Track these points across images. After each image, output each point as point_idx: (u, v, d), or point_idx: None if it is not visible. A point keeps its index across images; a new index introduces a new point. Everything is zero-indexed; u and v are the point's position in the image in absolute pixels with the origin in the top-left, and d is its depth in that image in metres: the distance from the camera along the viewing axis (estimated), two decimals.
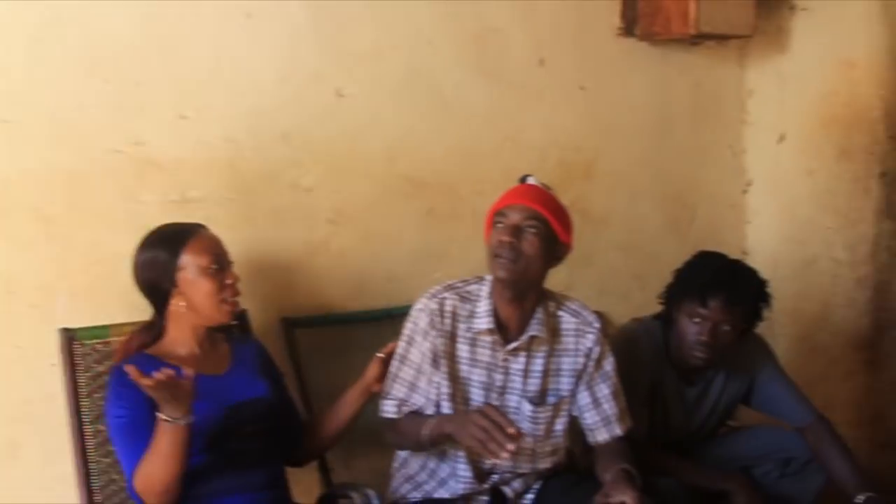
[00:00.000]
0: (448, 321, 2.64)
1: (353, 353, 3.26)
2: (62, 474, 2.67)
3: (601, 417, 2.74)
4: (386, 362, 2.72)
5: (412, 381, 2.66)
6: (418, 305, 2.68)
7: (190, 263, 2.50)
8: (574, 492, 2.70)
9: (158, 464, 2.29)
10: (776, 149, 4.47)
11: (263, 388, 2.61)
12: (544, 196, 2.63)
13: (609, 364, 2.75)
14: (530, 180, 2.69)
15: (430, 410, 2.64)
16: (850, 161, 4.20)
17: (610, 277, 4.15)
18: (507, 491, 2.72)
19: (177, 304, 2.52)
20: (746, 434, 3.34)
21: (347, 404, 2.76)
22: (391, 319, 3.36)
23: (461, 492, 2.68)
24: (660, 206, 4.31)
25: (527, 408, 2.67)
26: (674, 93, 4.28)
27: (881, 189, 4.15)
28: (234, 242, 2.70)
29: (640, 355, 3.03)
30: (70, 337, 2.69)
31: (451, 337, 2.64)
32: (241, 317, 2.93)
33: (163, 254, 2.50)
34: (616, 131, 4.11)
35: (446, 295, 2.67)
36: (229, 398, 2.51)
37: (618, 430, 2.75)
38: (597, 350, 2.73)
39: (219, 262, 2.53)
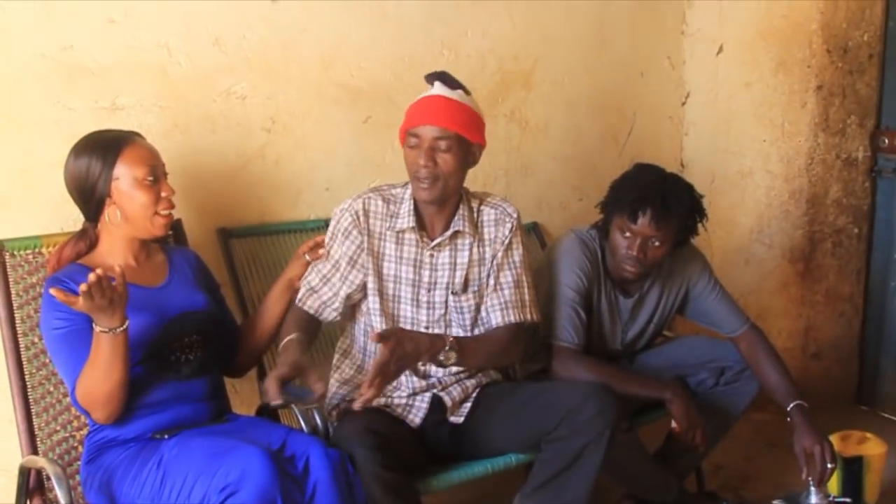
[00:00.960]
0: (372, 220, 2.82)
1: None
2: None
3: (498, 301, 2.84)
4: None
5: (326, 275, 2.82)
6: (343, 205, 2.86)
7: (124, 174, 2.51)
8: (510, 398, 2.80)
9: (99, 374, 2.34)
10: (714, 60, 4.54)
11: (202, 300, 2.66)
12: (451, 107, 2.75)
13: (518, 255, 2.88)
14: (437, 87, 2.79)
15: (337, 304, 2.82)
16: (787, 74, 4.30)
17: (548, 188, 4.25)
18: (446, 398, 2.82)
19: (110, 215, 2.54)
20: (681, 344, 3.46)
21: (272, 302, 2.86)
22: (327, 229, 3.44)
23: (396, 398, 2.79)
24: (598, 116, 4.39)
25: (451, 298, 2.83)
26: (613, 2, 4.33)
27: (817, 102, 4.26)
28: (167, 151, 2.73)
29: (577, 264, 3.11)
30: (0, 248, 2.70)
31: (376, 236, 2.82)
32: (177, 227, 2.97)
33: (96, 162, 2.50)
34: (555, 40, 4.16)
35: (370, 195, 2.85)
36: (168, 310, 2.55)
37: (512, 317, 2.82)
38: (509, 238, 2.87)
39: (154, 174, 2.55)
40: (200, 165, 3.19)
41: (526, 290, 2.88)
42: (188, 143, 3.16)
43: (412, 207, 2.81)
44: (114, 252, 2.58)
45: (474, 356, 2.74)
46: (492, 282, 2.86)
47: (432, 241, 2.82)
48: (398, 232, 2.81)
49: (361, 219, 2.81)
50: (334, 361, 2.96)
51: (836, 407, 4.28)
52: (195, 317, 2.61)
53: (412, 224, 2.79)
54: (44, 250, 2.74)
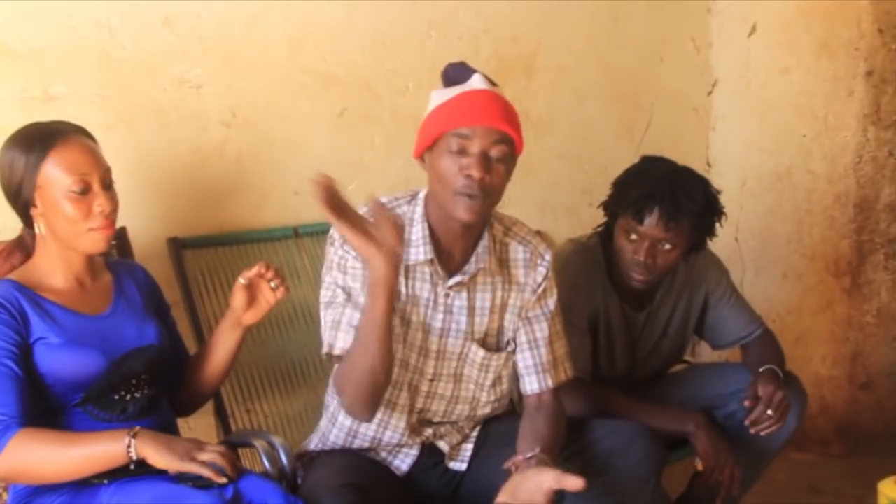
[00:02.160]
0: None
1: None
2: None
3: (534, 363, 2.75)
4: (250, 287, 2.68)
5: (353, 324, 2.55)
6: (335, 231, 2.58)
7: (48, 181, 2.39)
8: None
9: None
10: (746, 42, 4.55)
11: (152, 333, 2.61)
12: (506, 107, 2.54)
13: (553, 303, 2.75)
14: (478, 81, 2.54)
15: None
16: (831, 58, 4.31)
17: (552, 191, 4.25)
18: (443, 445, 2.78)
19: (38, 226, 2.47)
20: (707, 371, 3.46)
21: (221, 339, 2.75)
22: (297, 238, 3.45)
23: (388, 441, 2.74)
24: (611, 108, 4.40)
25: (477, 353, 2.70)
26: None
27: (866, 91, 4.27)
28: (109, 149, 2.63)
29: (577, 280, 3.11)
30: None
31: None
32: (121, 236, 2.95)
33: (19, 161, 2.41)
34: (560, 20, 4.17)
35: None
36: (113, 345, 2.49)
37: (550, 382, 2.74)
38: (543, 285, 2.73)
39: (84, 183, 2.41)
40: (148, 165, 3.17)
41: (562, 344, 2.80)
42: (134, 138, 3.15)
43: (427, 234, 2.59)
44: (52, 269, 2.49)
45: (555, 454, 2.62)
46: (522, 336, 2.74)
47: (450, 276, 2.62)
48: (409, 265, 2.61)
49: None
50: (326, 400, 2.90)
51: (891, 445, 4.27)
52: (145, 354, 2.55)
53: (430, 256, 2.58)
54: None
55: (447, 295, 2.62)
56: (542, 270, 2.72)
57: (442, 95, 2.55)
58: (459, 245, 2.61)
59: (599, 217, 3.28)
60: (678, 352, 3.40)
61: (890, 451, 4.07)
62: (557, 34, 4.16)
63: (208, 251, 3.28)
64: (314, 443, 2.80)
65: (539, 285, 2.72)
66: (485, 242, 2.64)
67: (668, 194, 2.98)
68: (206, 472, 2.27)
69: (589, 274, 3.13)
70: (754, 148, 4.57)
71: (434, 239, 2.59)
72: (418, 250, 2.58)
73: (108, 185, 2.47)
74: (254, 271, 2.65)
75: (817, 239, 4.43)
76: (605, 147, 4.38)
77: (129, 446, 2.28)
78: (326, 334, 2.59)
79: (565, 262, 3.13)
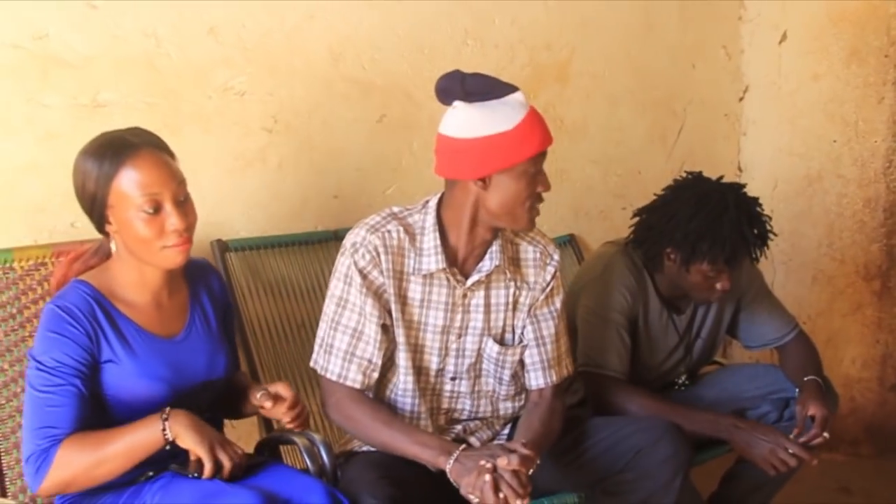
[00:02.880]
0: (394, 258, 2.60)
1: (293, 280, 3.35)
2: None
3: (540, 359, 2.78)
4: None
5: (356, 328, 2.61)
6: (355, 238, 2.61)
7: (119, 200, 2.30)
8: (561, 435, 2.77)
9: (116, 464, 2.28)
10: (777, 49, 4.53)
11: (222, 365, 2.55)
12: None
13: (559, 301, 2.80)
14: (521, 95, 2.56)
15: (377, 362, 2.63)
16: (861, 64, 4.28)
17: (586, 195, 4.24)
18: (474, 441, 2.78)
19: (113, 241, 2.39)
20: (739, 372, 3.45)
21: (247, 405, 2.65)
22: (337, 241, 3.44)
23: None
24: (643, 114, 4.39)
25: (493, 348, 2.73)
26: None
27: None
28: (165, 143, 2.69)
29: (621, 283, 3.10)
30: None
31: (400, 276, 2.62)
32: None
33: (92, 174, 2.30)
34: (594, 27, 4.16)
35: (388, 226, 2.63)
36: (183, 379, 2.43)
37: (554, 377, 2.78)
38: (551, 284, 2.77)
39: (155, 203, 2.30)
40: (193, 170, 3.12)
41: (565, 341, 2.84)
42: (179, 144, 3.07)
43: (439, 242, 2.61)
44: (128, 282, 2.42)
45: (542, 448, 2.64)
46: (530, 333, 2.77)
47: (466, 278, 2.66)
48: (425, 275, 2.64)
49: (382, 258, 2.58)
50: None
51: None
52: (211, 389, 2.52)
53: (442, 265, 2.60)
54: (16, 265, 2.73)
55: (465, 295, 2.67)
56: (550, 270, 2.77)
57: (496, 117, 2.51)
58: (471, 247, 2.66)
59: (632, 221, 3.26)
60: (710, 352, 3.39)
61: None
62: (591, 42, 4.15)
63: (251, 253, 3.30)
64: (353, 442, 2.80)
65: (548, 284, 2.77)
66: (498, 241, 2.68)
67: (752, 235, 3.01)
68: (208, 467, 2.27)
69: (632, 277, 3.13)
70: (785, 153, 4.54)
71: (445, 247, 2.62)
72: (430, 259, 2.61)
73: (181, 201, 2.36)
74: (284, 398, 2.51)
75: (847, 242, 4.40)
76: (638, 152, 4.37)
77: (164, 429, 2.26)
78: (320, 352, 2.66)
79: (608, 265, 3.14)
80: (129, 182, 2.28)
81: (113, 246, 2.39)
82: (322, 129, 3.48)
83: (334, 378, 2.61)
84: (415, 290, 2.64)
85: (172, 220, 2.32)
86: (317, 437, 2.75)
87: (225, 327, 2.63)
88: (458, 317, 2.68)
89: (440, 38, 3.73)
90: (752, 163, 4.62)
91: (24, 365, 2.63)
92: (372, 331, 2.59)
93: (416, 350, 2.68)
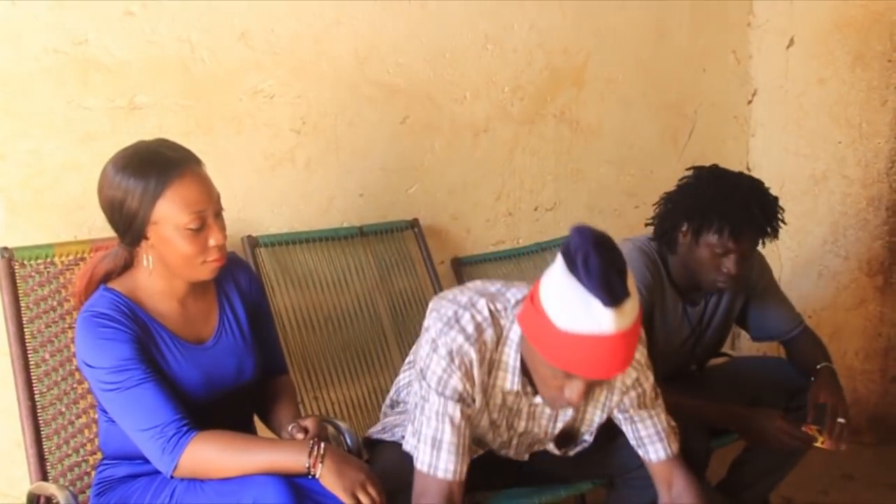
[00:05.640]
0: (484, 368, 2.34)
1: (320, 274, 3.34)
2: (5, 407, 2.70)
3: (655, 430, 2.53)
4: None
5: (458, 453, 2.34)
6: (451, 343, 2.30)
7: (165, 218, 2.24)
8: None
9: (241, 467, 2.21)
10: (784, 54, 4.50)
11: (251, 368, 2.50)
12: (629, 349, 2.11)
13: (649, 386, 2.51)
14: (609, 317, 2.02)
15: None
16: (865, 69, 4.25)
17: (600, 194, 4.22)
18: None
19: (146, 258, 2.32)
20: (751, 365, 3.45)
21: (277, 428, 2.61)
22: (362, 237, 3.45)
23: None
24: (656, 116, 4.37)
25: (551, 447, 2.62)
26: None
27: None
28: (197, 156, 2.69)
29: (638, 277, 3.06)
30: (9, 257, 2.68)
31: (485, 387, 2.37)
32: None
33: (135, 193, 2.22)
34: (608, 33, 4.14)
35: (486, 337, 2.31)
36: (214, 378, 2.39)
37: (673, 448, 2.54)
38: (642, 386, 2.51)
39: (201, 220, 2.26)
40: (225, 169, 3.18)
41: (665, 418, 2.58)
42: (212, 144, 3.16)
43: (519, 364, 2.33)
44: (155, 292, 2.37)
45: None
46: (630, 434, 2.55)
47: (536, 395, 2.40)
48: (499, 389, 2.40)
49: (475, 372, 2.30)
50: (383, 410, 2.87)
51: None
52: (239, 393, 2.48)
53: (518, 388, 2.36)
54: (56, 259, 2.73)
55: (531, 404, 2.47)
56: (633, 373, 2.48)
57: (567, 313, 2.06)
58: None
59: (644, 219, 3.24)
60: (720, 342, 3.36)
61: None
62: (606, 47, 4.13)
63: (280, 248, 3.29)
64: (385, 434, 2.71)
65: (630, 387, 2.50)
66: None
67: (761, 213, 2.95)
68: None
69: (648, 272, 3.09)
70: (792, 154, 4.52)
71: (523, 367, 2.34)
72: (511, 379, 2.35)
73: (219, 214, 2.32)
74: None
75: (851, 240, 4.37)
76: (651, 153, 4.35)
77: (308, 466, 2.21)
78: (425, 449, 2.33)
79: (627, 260, 3.10)
80: (178, 201, 2.22)
81: (144, 260, 2.32)
82: (348, 130, 3.47)
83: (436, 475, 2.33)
84: (491, 397, 2.41)
85: (214, 235, 2.28)
86: (343, 425, 2.75)
87: (256, 326, 2.57)
88: (523, 423, 2.52)
89: (461, 43, 3.71)
90: (760, 163, 4.60)
91: (63, 355, 2.65)
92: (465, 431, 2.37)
93: (473, 441, 2.48)
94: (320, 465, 2.22)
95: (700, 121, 4.50)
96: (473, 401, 2.33)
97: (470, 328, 2.29)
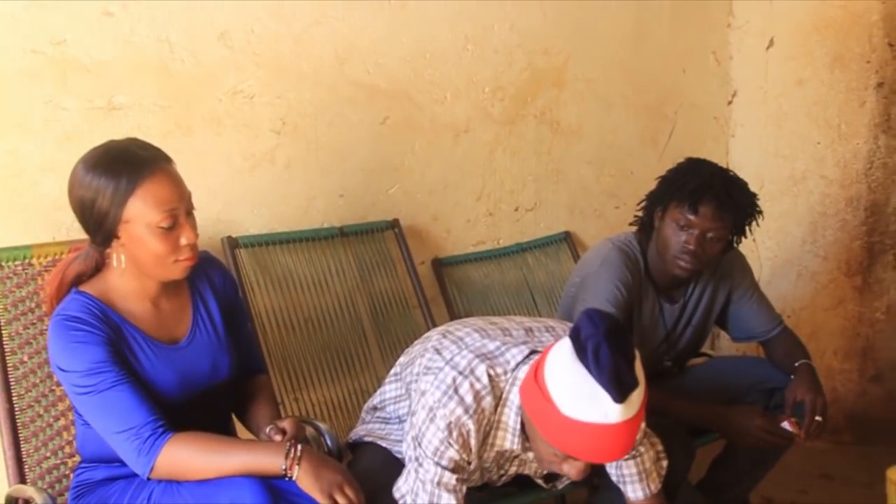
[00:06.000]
0: (481, 435, 2.32)
1: (300, 275, 3.34)
2: None
3: (637, 470, 2.52)
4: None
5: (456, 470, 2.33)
6: (449, 416, 2.26)
7: (137, 216, 2.22)
8: None
9: (217, 469, 2.21)
10: (764, 55, 4.51)
11: (226, 367, 2.49)
12: (631, 436, 2.09)
13: (640, 433, 2.33)
14: (616, 413, 2.01)
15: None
16: (844, 70, 4.26)
17: (581, 195, 4.22)
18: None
19: (117, 258, 2.30)
20: (730, 365, 3.45)
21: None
22: (343, 237, 3.44)
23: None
24: (636, 117, 4.37)
25: (540, 482, 2.63)
26: None
27: (877, 101, 4.22)
28: (168, 155, 2.66)
29: (617, 275, 3.07)
30: None
31: (480, 449, 2.35)
32: None
33: (105, 192, 2.20)
34: (589, 34, 4.14)
35: (485, 405, 2.28)
36: (189, 379, 2.39)
37: (652, 488, 2.54)
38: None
39: (172, 218, 2.24)
40: (204, 169, 3.18)
41: (650, 469, 2.56)
42: (191, 145, 3.15)
43: (519, 426, 2.30)
44: (127, 292, 2.35)
45: None
46: (615, 476, 2.55)
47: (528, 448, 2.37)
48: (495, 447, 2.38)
49: (472, 441, 2.28)
50: (363, 414, 2.87)
51: None
52: (214, 393, 2.47)
53: (518, 447, 2.33)
54: (34, 261, 2.72)
55: (526, 458, 2.47)
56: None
57: (573, 402, 2.04)
58: None
59: (626, 219, 3.26)
60: (699, 341, 3.37)
61: None
62: (586, 48, 4.13)
63: (260, 249, 3.28)
64: (367, 437, 2.71)
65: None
66: None
67: (722, 187, 2.97)
68: None
69: (628, 272, 3.10)
70: (771, 154, 4.53)
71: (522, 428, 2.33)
72: (511, 439, 2.33)
73: (190, 212, 2.31)
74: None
75: (830, 240, 4.38)
76: (631, 153, 4.35)
77: (284, 468, 2.21)
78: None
79: (604, 261, 3.12)
80: (150, 199, 2.21)
81: (115, 260, 2.31)
82: (328, 131, 3.46)
83: None
84: (485, 452, 2.39)
85: (186, 233, 2.27)
86: (323, 426, 2.74)
87: (231, 324, 2.56)
88: (514, 469, 2.54)
89: (441, 44, 3.71)
90: (739, 164, 4.61)
91: (41, 357, 2.63)
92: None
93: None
94: (297, 467, 2.22)
95: (680, 121, 4.50)
96: (469, 464, 2.33)
97: (469, 398, 2.25)
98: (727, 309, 3.31)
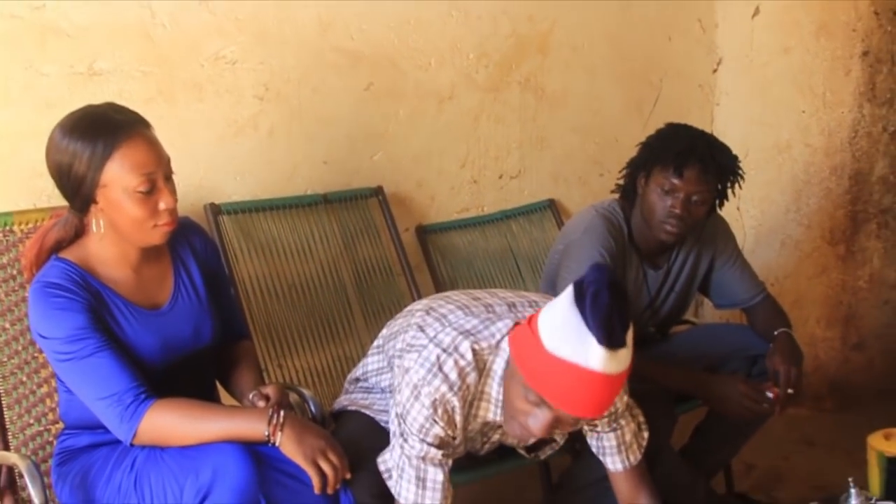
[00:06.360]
0: (466, 408, 2.32)
1: (284, 242, 3.33)
2: None
3: (618, 442, 2.51)
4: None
5: (443, 488, 2.33)
6: (434, 393, 2.24)
7: (114, 180, 2.21)
8: None
9: (199, 435, 2.21)
10: (750, 24, 4.49)
11: (208, 332, 2.49)
12: (613, 391, 2.06)
13: (622, 404, 2.46)
14: (599, 355, 1.98)
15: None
16: (829, 38, 4.25)
17: (565, 162, 4.22)
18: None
19: (95, 223, 2.30)
20: (712, 332, 3.46)
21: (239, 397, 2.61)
22: (326, 204, 3.44)
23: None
24: (621, 84, 4.36)
25: (522, 452, 2.63)
26: None
27: (862, 70, 4.21)
28: (149, 120, 2.61)
29: (601, 242, 3.07)
30: None
31: (465, 422, 2.35)
32: None
33: (82, 156, 2.20)
34: (574, 1, 4.12)
35: (469, 381, 2.27)
36: (170, 344, 2.39)
37: (632, 460, 2.53)
38: (615, 405, 2.46)
39: (151, 182, 2.23)
40: (187, 136, 3.16)
41: (633, 435, 2.54)
42: (173, 111, 3.14)
43: (501, 396, 2.28)
44: (107, 258, 2.34)
45: None
46: (595, 444, 2.54)
47: None
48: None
49: (458, 418, 2.28)
50: (345, 384, 2.86)
51: (880, 401, 4.25)
52: (201, 355, 2.48)
53: (500, 418, 2.32)
54: (16, 228, 2.71)
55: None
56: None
57: (559, 339, 2.02)
58: None
59: (610, 186, 3.26)
60: (682, 307, 3.37)
61: (878, 407, 4.05)
62: (571, 14, 4.11)
63: (243, 216, 3.28)
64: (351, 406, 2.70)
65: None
66: None
67: (706, 150, 2.98)
68: (316, 481, 2.22)
69: (611, 238, 3.10)
70: (756, 123, 4.53)
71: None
72: (494, 410, 2.32)
73: (169, 177, 2.30)
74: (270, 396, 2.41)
75: (814, 209, 4.39)
76: (616, 121, 4.35)
77: (267, 434, 2.22)
78: (409, 487, 2.31)
79: (587, 228, 3.11)
80: (127, 163, 2.20)
81: (94, 225, 2.30)
82: (311, 97, 3.44)
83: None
84: (470, 424, 2.39)
85: (165, 198, 2.26)
86: (307, 393, 2.75)
87: (213, 289, 2.55)
88: (497, 437, 2.53)
89: (426, 10, 3.69)
90: (724, 132, 4.59)
91: (23, 324, 2.61)
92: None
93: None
94: (280, 433, 2.23)
95: (665, 89, 4.50)
96: (454, 439, 2.32)
97: (453, 375, 2.23)
98: (710, 275, 3.31)
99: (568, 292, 2.04)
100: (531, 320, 2.12)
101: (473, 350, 2.25)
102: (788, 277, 4.45)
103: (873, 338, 4.45)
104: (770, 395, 2.96)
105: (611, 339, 1.96)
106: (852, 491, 3.00)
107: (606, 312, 1.96)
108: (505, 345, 2.26)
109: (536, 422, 2.13)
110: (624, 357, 2.02)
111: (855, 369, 4.42)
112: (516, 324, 2.28)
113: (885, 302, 4.45)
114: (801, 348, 3.17)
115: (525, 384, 2.09)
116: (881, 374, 4.48)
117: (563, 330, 2.01)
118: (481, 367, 2.27)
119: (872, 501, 3.03)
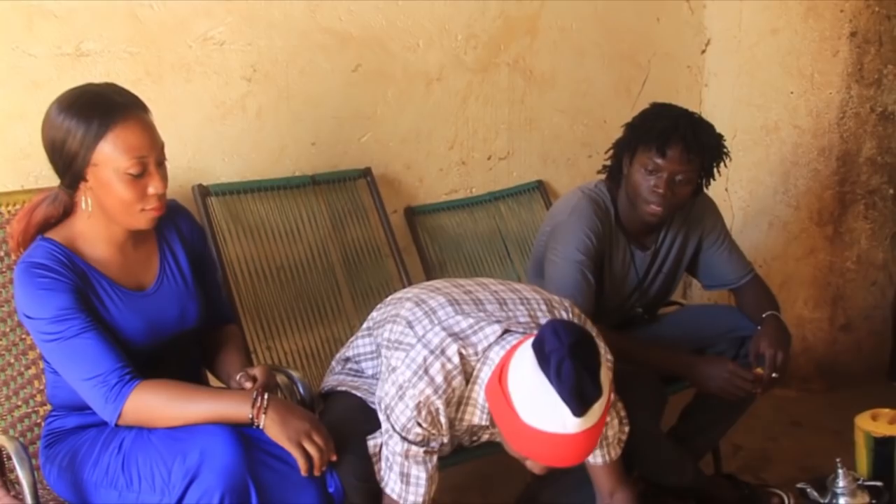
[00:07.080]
0: (453, 408, 2.35)
1: (272, 224, 3.33)
2: None
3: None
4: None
5: (426, 483, 2.37)
6: (418, 396, 2.26)
7: (105, 160, 2.21)
8: None
9: (183, 417, 2.23)
10: (738, 4, 4.49)
11: (194, 314, 2.49)
12: (589, 443, 2.12)
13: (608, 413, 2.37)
14: (574, 424, 2.04)
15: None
16: (817, 19, 4.25)
17: (554, 144, 4.22)
18: None
19: (85, 201, 2.30)
20: (700, 313, 3.48)
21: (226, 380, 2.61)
22: (315, 186, 3.44)
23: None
24: (609, 65, 4.36)
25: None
26: None
27: (850, 50, 4.22)
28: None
29: (587, 223, 3.09)
30: None
31: (451, 424, 2.36)
32: None
33: (76, 133, 2.20)
34: None
35: (455, 384, 2.28)
36: (156, 326, 2.39)
37: (611, 455, 2.53)
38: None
39: (142, 165, 2.23)
40: (174, 117, 3.16)
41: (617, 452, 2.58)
42: (161, 92, 3.13)
43: (487, 407, 2.28)
44: (94, 238, 2.35)
45: None
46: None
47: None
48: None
49: (442, 420, 2.29)
50: (333, 363, 2.87)
51: (867, 382, 4.28)
52: (187, 337, 2.49)
53: (487, 423, 2.35)
54: (3, 209, 2.70)
55: (491, 429, 2.46)
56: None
57: (533, 413, 2.06)
58: None
59: (598, 168, 3.26)
60: (670, 289, 3.39)
61: (866, 387, 4.08)
62: None
63: (231, 198, 3.28)
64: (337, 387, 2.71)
65: None
66: None
67: (689, 129, 2.98)
68: (301, 464, 2.24)
69: (598, 220, 3.11)
70: (744, 104, 4.53)
71: None
72: (480, 416, 2.35)
73: (161, 163, 2.30)
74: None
75: (802, 190, 4.39)
76: (604, 102, 4.35)
77: (251, 417, 2.23)
78: (395, 479, 2.35)
79: (574, 209, 3.12)
80: (120, 145, 2.21)
81: (83, 203, 2.31)
82: (299, 79, 3.44)
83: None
84: (456, 425, 2.41)
85: (154, 182, 2.26)
86: (295, 375, 2.75)
87: (199, 272, 2.56)
88: (486, 437, 2.53)
89: None
90: (712, 113, 4.58)
91: (11, 306, 2.60)
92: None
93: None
94: (263, 415, 2.24)
95: (653, 70, 4.50)
96: (441, 436, 2.34)
97: (439, 378, 2.25)
98: (698, 256, 3.33)
99: (529, 354, 2.08)
100: (501, 378, 2.14)
101: (461, 354, 2.27)
102: (776, 259, 4.47)
103: (861, 319, 4.47)
104: (753, 376, 2.98)
105: (583, 407, 2.02)
106: (840, 471, 3.03)
107: (574, 384, 2.00)
108: (492, 354, 2.27)
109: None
110: (599, 408, 2.07)
111: (842, 350, 4.45)
112: (505, 331, 2.30)
113: (873, 283, 4.47)
114: (789, 330, 3.19)
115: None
116: (868, 354, 4.51)
117: (535, 402, 2.05)
118: (468, 372, 2.29)
119: (860, 482, 3.07)
